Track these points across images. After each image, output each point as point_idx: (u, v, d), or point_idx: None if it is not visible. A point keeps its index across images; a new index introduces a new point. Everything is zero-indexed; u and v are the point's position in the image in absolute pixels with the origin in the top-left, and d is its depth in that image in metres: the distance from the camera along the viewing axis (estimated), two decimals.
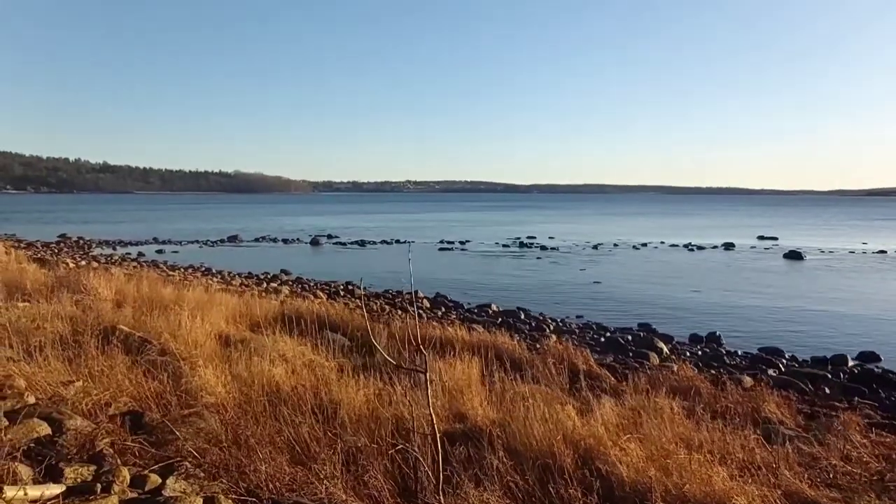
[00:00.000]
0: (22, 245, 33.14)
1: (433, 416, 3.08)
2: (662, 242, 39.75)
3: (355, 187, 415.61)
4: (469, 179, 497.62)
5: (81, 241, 37.39)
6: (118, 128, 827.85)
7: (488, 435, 4.39)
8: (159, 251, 33.20)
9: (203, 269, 24.85)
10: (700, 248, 36.83)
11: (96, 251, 33.40)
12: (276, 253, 34.45)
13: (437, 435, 3.02)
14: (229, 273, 23.40)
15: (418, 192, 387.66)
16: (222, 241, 39.74)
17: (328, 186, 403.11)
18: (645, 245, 38.38)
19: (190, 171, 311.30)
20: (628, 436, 4.38)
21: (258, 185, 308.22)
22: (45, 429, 3.24)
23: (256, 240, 41.38)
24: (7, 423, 3.20)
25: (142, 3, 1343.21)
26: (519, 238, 43.14)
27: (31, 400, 3.73)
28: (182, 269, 23.96)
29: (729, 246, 37.41)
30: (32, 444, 3.06)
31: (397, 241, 40.56)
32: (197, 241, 39.11)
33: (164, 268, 23.92)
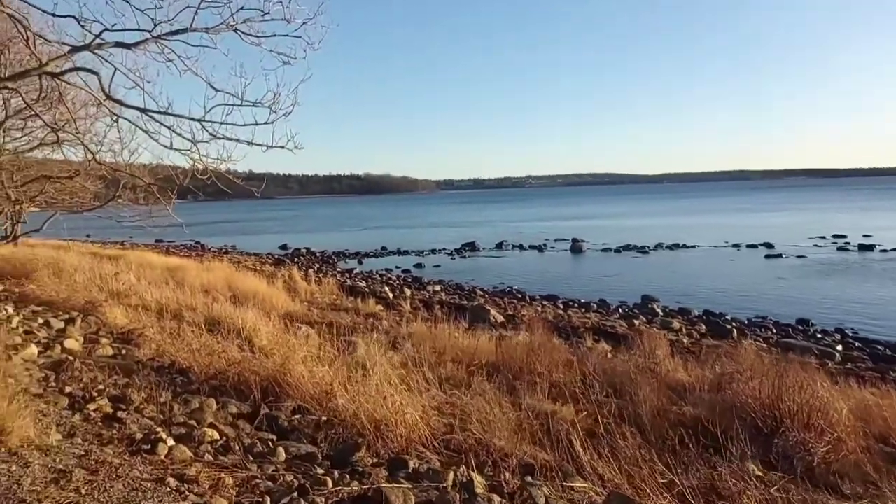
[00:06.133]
0: (268, 261, 30.51)
1: None
2: None
3: (476, 184, 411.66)
4: (591, 172, 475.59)
5: (319, 255, 34.18)
6: None
7: None
8: (418, 265, 28.83)
9: (536, 297, 19.43)
10: None
11: (340, 265, 29.97)
12: (551, 265, 28.63)
13: None
14: (599, 306, 17.70)
15: (542, 187, 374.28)
16: (465, 249, 34.87)
17: (449, 184, 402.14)
18: None
19: (324, 175, 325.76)
20: None
21: (387, 185, 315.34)
22: None
23: (498, 246, 36.07)
24: None
25: None
26: (823, 237, 33.96)
27: None
28: (509, 299, 18.68)
29: None
30: None
31: (678, 246, 33.02)
32: (434, 251, 34.60)
33: (497, 299, 18.83)
